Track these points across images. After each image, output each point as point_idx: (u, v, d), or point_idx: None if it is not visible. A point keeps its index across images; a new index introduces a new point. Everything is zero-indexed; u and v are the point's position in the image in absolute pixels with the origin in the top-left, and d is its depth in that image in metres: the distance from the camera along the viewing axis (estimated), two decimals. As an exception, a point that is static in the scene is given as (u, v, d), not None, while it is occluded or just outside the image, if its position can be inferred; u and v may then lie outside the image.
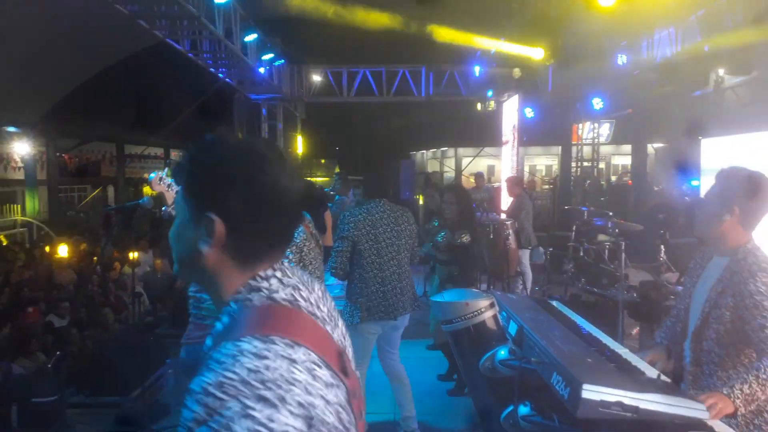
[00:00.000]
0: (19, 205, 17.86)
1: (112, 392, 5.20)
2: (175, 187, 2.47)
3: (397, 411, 4.43)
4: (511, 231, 6.72)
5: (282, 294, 1.06)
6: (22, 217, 16.20)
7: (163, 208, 2.55)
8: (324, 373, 0.96)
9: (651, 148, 15.98)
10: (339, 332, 1.14)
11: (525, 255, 7.57)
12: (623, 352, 2.59)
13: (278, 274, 1.10)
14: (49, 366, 5.33)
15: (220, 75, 11.73)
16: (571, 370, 2.09)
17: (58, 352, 5.60)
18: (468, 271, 4.88)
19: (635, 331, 5.50)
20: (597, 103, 12.66)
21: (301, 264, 2.72)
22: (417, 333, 6.61)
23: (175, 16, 8.03)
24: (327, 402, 0.94)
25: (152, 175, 2.54)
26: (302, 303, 1.07)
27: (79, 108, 16.10)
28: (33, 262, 9.72)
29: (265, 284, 1.07)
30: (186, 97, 15.13)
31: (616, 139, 18.34)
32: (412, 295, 4.21)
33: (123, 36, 12.56)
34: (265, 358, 0.91)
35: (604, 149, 17.81)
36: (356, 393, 1.05)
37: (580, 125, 14.84)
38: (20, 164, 17.36)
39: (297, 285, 1.10)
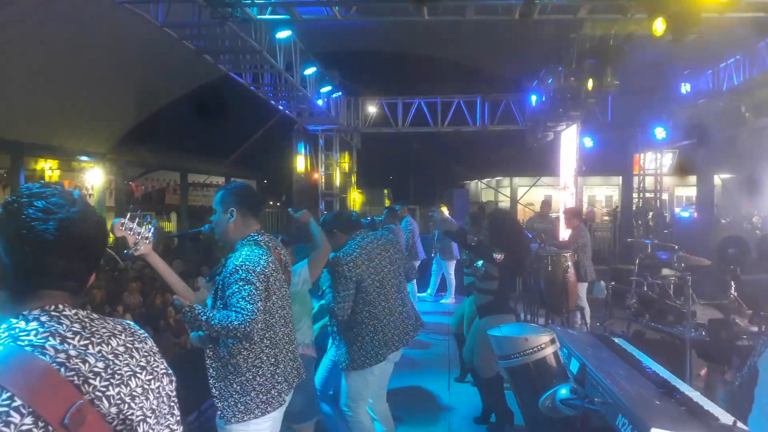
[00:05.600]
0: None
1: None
2: (138, 231, 2.70)
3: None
4: (570, 263, 6.55)
5: (28, 339, 1.10)
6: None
7: (125, 251, 2.71)
8: (22, 421, 1.01)
9: (718, 179, 15.36)
10: (124, 390, 1.15)
11: (582, 288, 7.34)
12: (694, 394, 2.45)
13: (44, 317, 1.14)
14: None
15: (281, 107, 12.08)
16: (639, 413, 2.00)
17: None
18: (504, 300, 4.72)
19: (704, 371, 5.21)
20: (659, 133, 12.30)
21: (267, 293, 2.70)
22: (443, 364, 6.52)
23: (238, 50, 8.34)
24: None
25: (115, 220, 2.72)
26: (50, 351, 1.10)
27: (146, 139, 16.89)
28: (97, 285, 10.11)
29: (20, 325, 1.13)
30: (247, 128, 15.66)
31: (680, 170, 17.74)
32: (415, 315, 4.11)
33: (188, 70, 13.17)
34: None
35: (667, 180, 17.23)
36: None
37: (642, 155, 14.43)
38: (91, 192, 18.29)
39: (58, 333, 1.12)
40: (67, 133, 14.61)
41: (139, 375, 1.20)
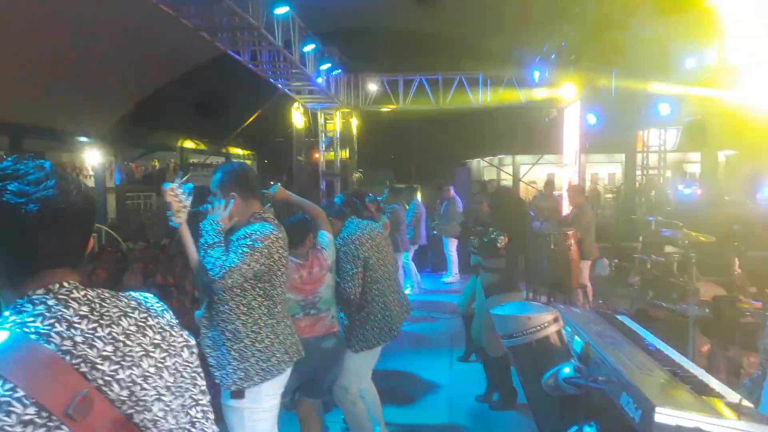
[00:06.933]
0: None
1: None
2: (182, 198, 2.69)
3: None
4: (573, 241, 6.51)
5: (34, 326, 1.08)
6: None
7: (168, 214, 2.71)
8: (25, 411, 1.00)
9: (722, 155, 15.23)
10: (136, 372, 1.14)
11: (585, 266, 7.31)
12: (699, 372, 2.42)
13: (51, 301, 1.11)
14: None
15: (280, 85, 11.94)
16: (644, 391, 1.96)
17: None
18: (510, 278, 4.74)
19: (706, 348, 5.20)
20: (663, 109, 12.14)
21: (267, 269, 2.72)
22: (446, 343, 6.54)
23: (235, 27, 8.21)
24: None
25: (166, 185, 2.69)
26: (55, 339, 1.07)
27: (145, 119, 16.78)
28: (99, 265, 10.11)
29: (27, 309, 1.10)
30: (246, 108, 15.53)
31: (684, 147, 17.58)
32: (406, 298, 4.32)
33: (186, 49, 13.01)
34: None
35: (671, 157, 17.09)
36: None
37: (645, 132, 14.29)
38: (91, 172, 18.24)
39: (64, 318, 1.10)
40: (65, 114, 14.51)
41: (152, 354, 1.19)
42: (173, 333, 1.26)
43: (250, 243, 2.65)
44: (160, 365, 1.19)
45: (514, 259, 4.80)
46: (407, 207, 10.02)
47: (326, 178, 14.77)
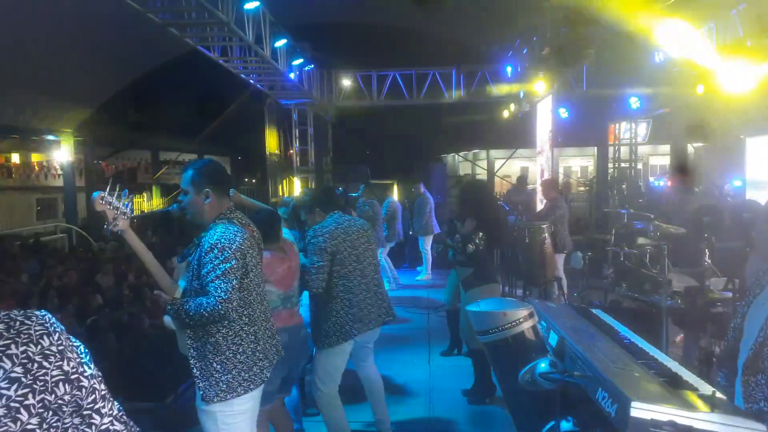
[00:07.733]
0: (60, 211, 18.33)
1: (147, 398, 5.21)
2: (117, 206, 2.63)
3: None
4: (547, 234, 6.55)
5: None
6: (63, 224, 16.59)
7: (104, 226, 2.66)
8: None
9: (690, 147, 15.51)
10: None
11: (560, 260, 7.37)
12: (672, 365, 2.44)
13: None
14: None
15: (251, 81, 11.81)
16: (619, 386, 1.97)
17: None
18: (485, 269, 4.74)
19: (679, 338, 5.28)
20: (634, 102, 12.33)
21: (244, 270, 2.66)
22: (424, 338, 6.57)
23: (205, 23, 8.09)
24: None
25: (95, 194, 2.65)
26: None
27: (115, 117, 16.48)
28: (70, 266, 9.90)
29: None
30: (218, 104, 15.37)
31: (654, 139, 17.88)
32: (388, 301, 4.16)
33: (155, 45, 12.78)
34: None
35: (642, 149, 17.36)
36: None
37: (617, 125, 14.50)
38: (60, 172, 17.83)
39: None
40: (32, 112, 14.16)
41: (5, 390, 0.99)
42: (46, 364, 1.04)
43: (220, 255, 2.57)
44: (15, 404, 0.99)
45: (488, 249, 4.80)
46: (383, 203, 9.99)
47: (300, 174, 14.67)
